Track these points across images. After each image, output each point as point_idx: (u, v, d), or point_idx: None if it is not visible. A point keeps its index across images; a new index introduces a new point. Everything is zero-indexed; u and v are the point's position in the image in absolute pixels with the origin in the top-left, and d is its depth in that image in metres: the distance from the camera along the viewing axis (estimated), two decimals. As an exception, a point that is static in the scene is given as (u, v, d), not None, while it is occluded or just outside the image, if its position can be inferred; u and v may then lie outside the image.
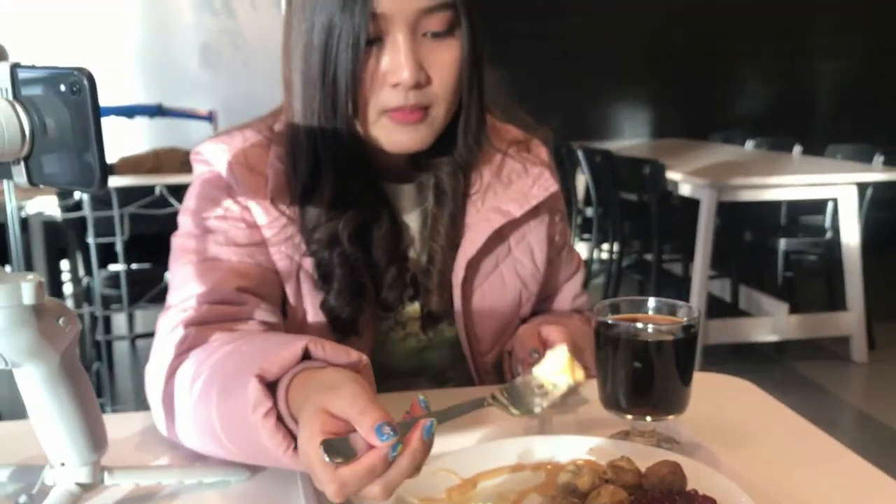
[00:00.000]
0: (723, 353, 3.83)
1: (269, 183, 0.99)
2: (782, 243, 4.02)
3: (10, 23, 4.61)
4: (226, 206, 1.00)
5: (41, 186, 0.64)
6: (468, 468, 0.79)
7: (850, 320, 3.86)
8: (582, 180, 4.91)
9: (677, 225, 4.07)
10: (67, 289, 3.38)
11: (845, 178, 3.77)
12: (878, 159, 3.96)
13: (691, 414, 0.88)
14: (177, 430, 0.87)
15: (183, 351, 0.89)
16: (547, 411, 0.93)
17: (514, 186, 1.09)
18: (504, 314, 1.10)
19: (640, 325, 0.86)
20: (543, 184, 1.10)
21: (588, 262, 4.94)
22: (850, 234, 3.81)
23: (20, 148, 0.61)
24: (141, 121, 3.77)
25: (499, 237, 1.08)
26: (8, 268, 0.68)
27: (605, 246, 4.63)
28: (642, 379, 0.86)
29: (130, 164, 3.10)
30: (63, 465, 0.74)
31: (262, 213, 0.99)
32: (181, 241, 1.00)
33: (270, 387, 0.73)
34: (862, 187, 3.80)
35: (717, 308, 4.09)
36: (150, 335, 0.98)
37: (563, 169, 4.75)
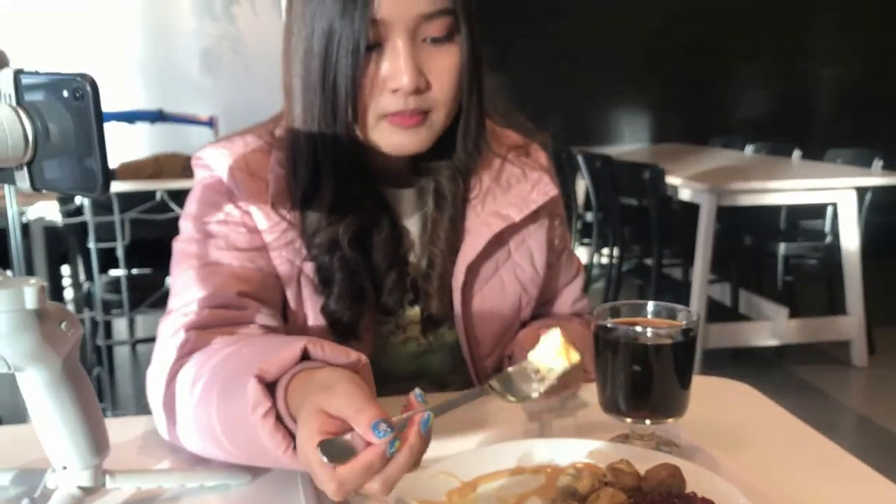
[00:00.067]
0: (723, 357, 3.83)
1: (270, 188, 1.00)
2: (782, 248, 4.02)
3: (11, 27, 4.62)
4: (227, 211, 1.00)
5: (43, 191, 0.65)
6: (468, 471, 0.79)
7: (850, 324, 3.86)
8: (582, 185, 4.91)
9: (677, 229, 4.08)
10: (68, 294, 3.38)
11: (845, 182, 3.78)
12: (878, 164, 3.97)
13: (691, 417, 0.88)
14: (178, 432, 0.88)
15: (184, 354, 0.90)
16: (546, 415, 0.94)
17: (513, 191, 1.09)
18: (504, 318, 1.11)
19: (639, 328, 0.86)
20: (543, 188, 1.11)
21: (588, 267, 4.94)
22: (850, 239, 3.81)
23: (23, 153, 0.61)
24: (142, 126, 3.78)
25: (498, 241, 1.08)
26: (9, 272, 0.68)
27: (606, 250, 4.64)
28: (641, 382, 0.86)
29: (131, 170, 3.10)
30: (65, 468, 0.75)
31: (263, 218, 1.00)
32: (182, 246, 1.00)
33: (270, 387, 0.73)
34: (861, 192, 3.80)
35: (717, 312, 4.09)
36: (151, 340, 0.98)
37: (564, 174, 4.75)
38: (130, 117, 3.67)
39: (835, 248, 3.92)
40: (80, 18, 4.81)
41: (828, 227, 4.10)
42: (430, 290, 1.06)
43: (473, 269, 1.07)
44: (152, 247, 2.60)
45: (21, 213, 2.59)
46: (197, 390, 0.83)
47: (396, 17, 0.90)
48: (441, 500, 0.76)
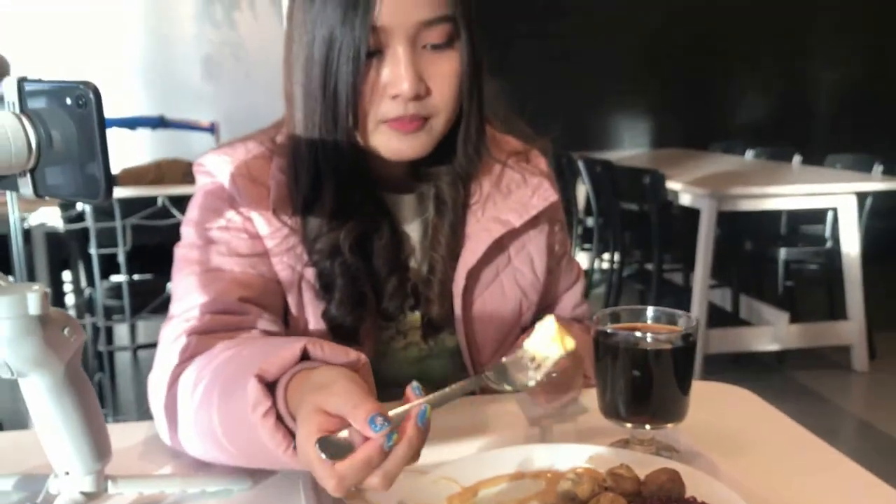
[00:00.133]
0: (723, 362, 3.83)
1: (271, 194, 1.00)
2: (782, 253, 4.02)
3: (12, 33, 4.63)
4: (228, 217, 1.01)
5: (46, 198, 0.65)
6: (469, 476, 0.80)
7: (851, 329, 3.86)
8: (582, 190, 4.92)
9: (678, 235, 4.08)
10: (70, 299, 3.39)
11: (845, 187, 3.78)
12: (878, 169, 3.97)
13: (691, 422, 0.89)
14: (179, 436, 0.88)
15: (186, 359, 0.90)
16: (547, 420, 0.94)
17: (513, 196, 1.10)
18: (504, 323, 1.11)
19: (638, 334, 0.86)
20: (543, 194, 1.11)
21: (589, 272, 4.94)
22: (851, 244, 3.81)
23: (27, 160, 0.62)
24: (143, 132, 3.79)
25: (499, 247, 1.09)
26: (11, 278, 0.68)
27: (606, 256, 4.64)
28: (641, 387, 0.86)
29: (133, 176, 3.11)
30: (67, 474, 0.75)
31: (265, 224, 1.00)
32: (184, 252, 1.01)
33: (271, 388, 0.74)
34: (861, 197, 3.81)
35: (718, 317, 4.09)
36: (153, 346, 0.98)
37: (564, 179, 4.76)
38: (132, 123, 3.67)
39: (835, 253, 3.92)
40: (81, 24, 4.83)
41: (828, 233, 4.10)
42: (431, 296, 1.06)
43: (474, 275, 1.07)
44: (153, 252, 2.61)
45: (23, 219, 2.59)
46: (198, 393, 0.83)
47: (397, 25, 0.91)
48: (442, 505, 0.76)
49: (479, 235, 1.07)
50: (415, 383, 0.69)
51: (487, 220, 1.08)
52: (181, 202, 2.47)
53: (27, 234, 2.76)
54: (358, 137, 0.97)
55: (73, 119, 0.61)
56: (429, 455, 0.83)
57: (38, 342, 0.67)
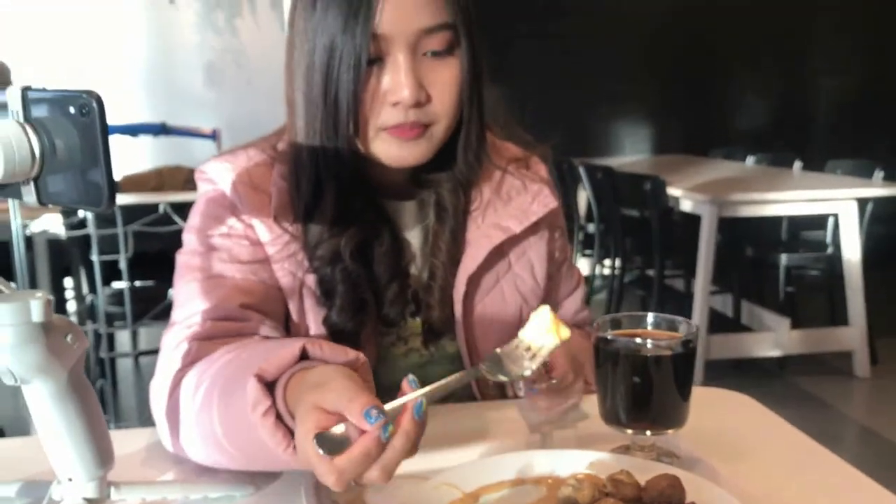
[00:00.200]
0: (724, 368, 3.83)
1: (273, 201, 1.01)
2: (783, 258, 4.03)
3: (15, 41, 4.65)
4: (230, 224, 1.01)
5: (49, 206, 0.66)
6: (470, 482, 0.80)
7: (852, 335, 3.86)
8: (583, 196, 4.92)
9: (679, 241, 4.08)
10: (71, 306, 3.39)
11: (846, 193, 3.79)
12: (878, 175, 3.97)
13: (691, 428, 0.89)
14: (181, 440, 0.88)
15: (187, 364, 0.91)
16: (547, 426, 0.94)
17: (513, 203, 1.10)
18: (505, 329, 1.11)
19: (638, 340, 0.87)
20: (543, 200, 1.11)
21: (590, 278, 4.95)
22: (851, 250, 3.81)
23: (30, 169, 0.62)
24: (145, 139, 3.80)
25: (499, 253, 1.09)
26: (13, 285, 0.69)
27: (607, 262, 4.64)
28: (642, 394, 0.87)
29: (134, 182, 3.11)
30: (70, 480, 0.75)
31: (266, 231, 1.00)
32: (185, 259, 1.01)
33: (270, 388, 0.74)
34: (862, 202, 3.81)
35: (719, 323, 4.09)
36: (154, 352, 0.99)
37: (565, 185, 4.77)
38: (134, 130, 3.69)
39: (836, 259, 3.92)
40: (84, 31, 4.84)
41: (829, 238, 4.10)
42: (432, 302, 1.07)
43: (474, 281, 1.08)
44: (155, 259, 2.60)
45: (25, 226, 2.60)
46: (199, 396, 0.84)
47: (397, 32, 0.91)
48: (443, 511, 0.76)
49: (479, 242, 1.07)
50: (411, 376, 0.69)
51: (488, 227, 1.08)
52: (183, 209, 2.47)
53: (29, 241, 2.77)
54: (359, 144, 0.97)
55: (76, 128, 0.61)
56: (430, 461, 0.83)
57: (42, 349, 0.67)
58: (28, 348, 0.66)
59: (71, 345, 0.70)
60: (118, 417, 3.08)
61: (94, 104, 0.61)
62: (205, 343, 0.92)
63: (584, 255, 5.09)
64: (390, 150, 0.97)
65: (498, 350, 0.86)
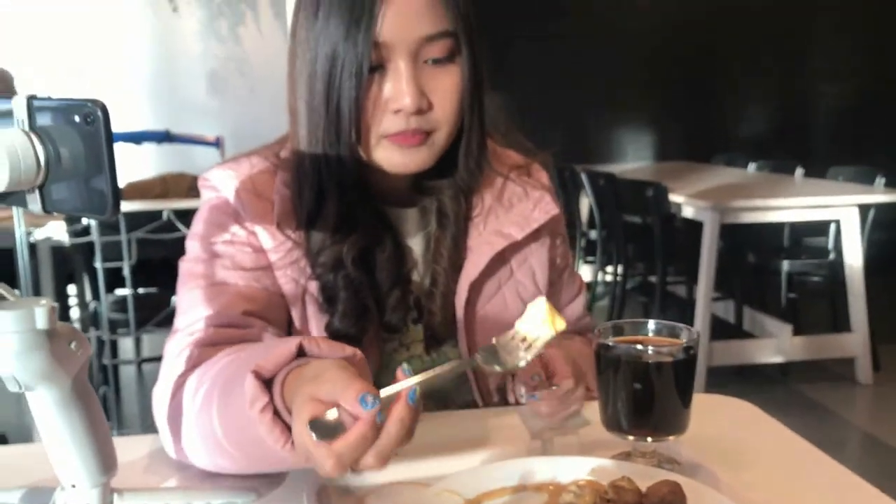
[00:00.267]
0: (727, 374, 3.82)
1: (276, 208, 1.01)
2: (785, 265, 4.03)
3: (19, 49, 4.66)
4: (233, 231, 1.02)
5: (54, 214, 0.66)
6: (471, 489, 0.80)
7: (855, 342, 3.85)
8: (586, 203, 4.92)
9: (681, 247, 4.09)
10: (74, 313, 3.40)
11: (847, 199, 3.79)
12: (880, 181, 3.97)
13: (692, 435, 0.89)
14: (183, 444, 0.89)
15: (189, 368, 0.91)
16: (549, 433, 0.94)
17: (515, 210, 1.10)
18: (507, 336, 1.11)
19: (640, 346, 0.87)
20: (544, 207, 1.12)
21: (592, 285, 4.94)
22: (853, 256, 3.81)
23: (35, 177, 0.63)
24: (149, 146, 3.81)
25: (501, 260, 1.10)
26: (17, 292, 0.69)
27: (610, 268, 4.64)
28: (643, 400, 0.87)
29: (138, 190, 3.12)
30: (74, 486, 0.75)
31: (269, 238, 1.01)
32: (189, 266, 1.02)
33: (268, 385, 0.74)
34: (864, 209, 3.81)
35: (721, 330, 4.08)
36: (157, 359, 0.99)
37: (567, 192, 4.77)
38: (137, 138, 3.70)
39: (838, 266, 3.92)
40: (88, 39, 4.86)
41: (831, 245, 4.10)
42: (434, 308, 1.07)
43: (476, 287, 1.08)
44: (158, 266, 2.61)
45: (28, 233, 2.60)
46: (199, 397, 0.84)
47: (398, 40, 0.92)
48: (444, 518, 0.77)
49: (481, 248, 1.08)
50: (405, 365, 0.70)
51: (489, 234, 1.09)
52: (186, 216, 2.48)
53: (33, 249, 2.77)
54: (361, 152, 0.98)
55: (81, 136, 0.62)
56: (431, 468, 0.84)
57: (46, 356, 0.67)
58: (32, 355, 0.67)
59: (75, 352, 0.70)
60: (121, 424, 3.08)
61: (99, 113, 0.61)
62: (208, 349, 0.92)
63: (586, 262, 5.09)
64: (392, 157, 0.97)
65: (494, 340, 0.85)
